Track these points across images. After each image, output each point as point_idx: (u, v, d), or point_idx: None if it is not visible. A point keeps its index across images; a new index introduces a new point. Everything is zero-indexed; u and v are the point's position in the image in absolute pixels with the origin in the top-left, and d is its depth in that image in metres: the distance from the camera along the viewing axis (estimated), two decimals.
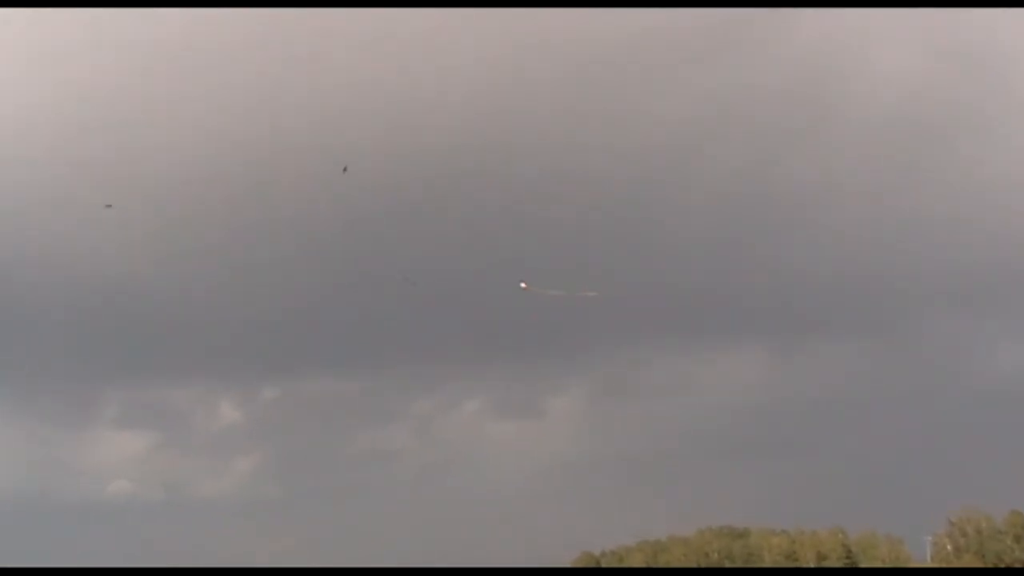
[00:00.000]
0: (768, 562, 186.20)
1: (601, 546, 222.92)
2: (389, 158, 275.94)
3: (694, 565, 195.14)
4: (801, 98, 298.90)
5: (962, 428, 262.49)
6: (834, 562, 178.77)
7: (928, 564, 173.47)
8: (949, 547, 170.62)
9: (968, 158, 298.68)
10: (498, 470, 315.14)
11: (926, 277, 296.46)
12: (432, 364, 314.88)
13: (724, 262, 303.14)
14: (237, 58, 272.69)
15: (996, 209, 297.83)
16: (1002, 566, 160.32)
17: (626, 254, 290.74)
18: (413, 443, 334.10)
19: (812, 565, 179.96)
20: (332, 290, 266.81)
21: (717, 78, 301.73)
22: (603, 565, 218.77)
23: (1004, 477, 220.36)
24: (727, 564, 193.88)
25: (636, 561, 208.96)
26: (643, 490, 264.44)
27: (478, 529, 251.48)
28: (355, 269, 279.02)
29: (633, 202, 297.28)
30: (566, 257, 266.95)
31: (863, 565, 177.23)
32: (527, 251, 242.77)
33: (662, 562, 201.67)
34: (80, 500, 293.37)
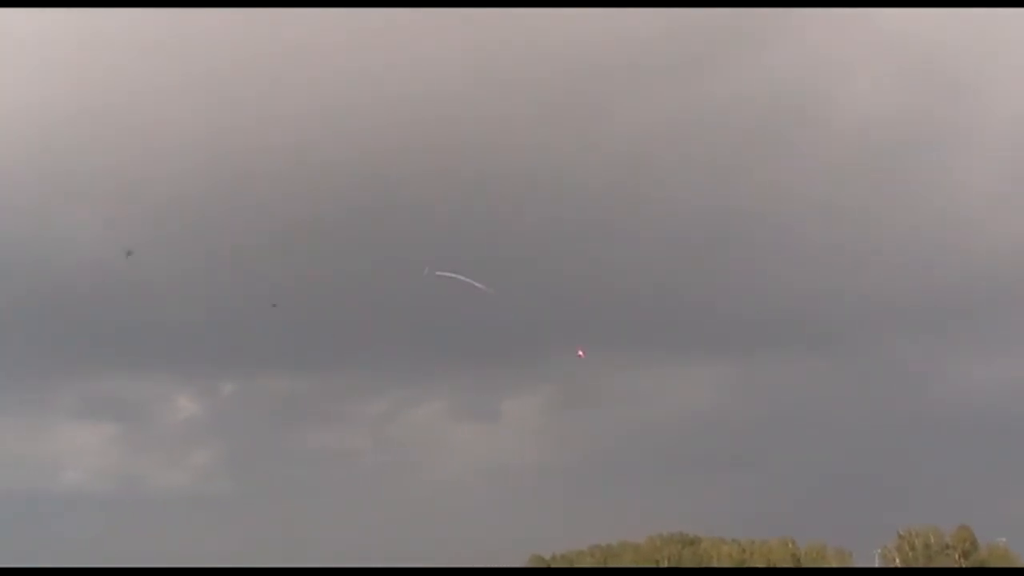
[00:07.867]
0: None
1: (552, 550, 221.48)
2: (354, 156, 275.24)
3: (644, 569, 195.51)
4: (775, 111, 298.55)
5: (916, 446, 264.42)
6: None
7: None
8: (897, 560, 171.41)
9: (939, 179, 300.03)
10: (452, 471, 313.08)
11: (889, 297, 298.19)
12: (390, 365, 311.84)
13: (686, 276, 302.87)
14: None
15: (963, 230, 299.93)
16: None
17: (587, 266, 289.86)
18: (368, 443, 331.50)
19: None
20: (293, 287, 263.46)
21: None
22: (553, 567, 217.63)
23: (955, 495, 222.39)
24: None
25: (586, 564, 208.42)
26: (595, 497, 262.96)
27: (430, 529, 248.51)
28: (318, 267, 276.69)
29: (595, 213, 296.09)
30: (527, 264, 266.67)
31: None
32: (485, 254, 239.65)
33: (612, 566, 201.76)
34: (30, 490, 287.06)
